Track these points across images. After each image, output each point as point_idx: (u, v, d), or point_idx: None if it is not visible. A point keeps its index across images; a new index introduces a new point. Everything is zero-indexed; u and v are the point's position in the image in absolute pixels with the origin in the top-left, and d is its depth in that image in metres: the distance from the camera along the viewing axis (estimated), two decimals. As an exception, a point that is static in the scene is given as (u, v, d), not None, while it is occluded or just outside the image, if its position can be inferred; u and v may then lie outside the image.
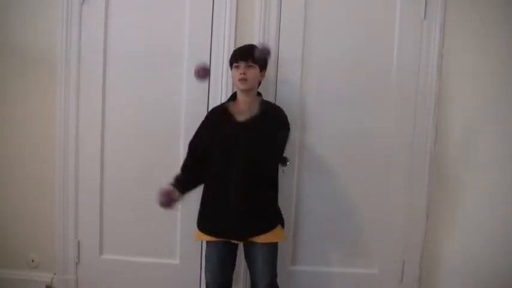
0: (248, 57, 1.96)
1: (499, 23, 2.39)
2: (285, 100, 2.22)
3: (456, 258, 2.52)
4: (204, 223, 2.07)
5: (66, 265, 2.47)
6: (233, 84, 2.30)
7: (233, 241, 2.04)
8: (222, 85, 2.36)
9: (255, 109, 1.99)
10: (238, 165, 1.94)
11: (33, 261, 2.49)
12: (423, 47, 2.37)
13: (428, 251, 2.49)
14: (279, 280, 2.13)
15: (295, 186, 2.41)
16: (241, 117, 1.97)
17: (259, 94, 2.09)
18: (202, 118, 2.28)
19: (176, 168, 2.38)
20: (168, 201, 1.90)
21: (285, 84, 2.35)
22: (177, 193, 1.93)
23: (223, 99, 2.30)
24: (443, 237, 2.51)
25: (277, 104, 2.21)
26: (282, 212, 2.12)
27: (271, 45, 2.28)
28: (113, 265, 2.47)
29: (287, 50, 2.34)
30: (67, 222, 2.44)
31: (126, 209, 2.45)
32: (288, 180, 2.36)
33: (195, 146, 2.07)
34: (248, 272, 2.34)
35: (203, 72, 1.95)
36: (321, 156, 2.38)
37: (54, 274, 2.48)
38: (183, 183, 1.99)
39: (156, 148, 2.42)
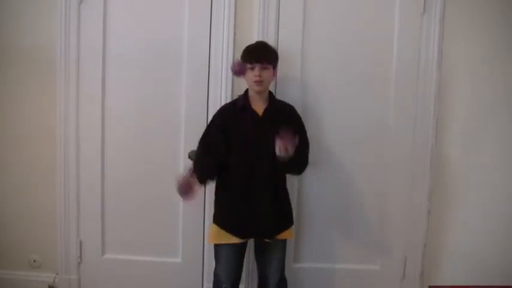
0: (263, 58, 1.93)
1: (498, 16, 2.39)
2: (284, 97, 2.21)
3: (458, 254, 2.53)
4: (230, 223, 2.03)
5: (69, 265, 2.47)
6: (233, 85, 2.32)
7: (263, 240, 2.06)
8: (222, 86, 2.34)
9: (269, 106, 2.01)
10: (263, 162, 1.93)
11: (35, 261, 2.49)
12: (423, 42, 2.36)
13: (430, 247, 2.49)
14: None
15: (297, 183, 2.40)
16: (259, 113, 1.99)
17: (269, 92, 2.07)
18: (202, 119, 2.28)
19: (177, 167, 2.39)
20: (186, 189, 1.84)
21: (285, 81, 2.33)
22: (195, 182, 1.88)
23: (223, 101, 2.30)
24: (445, 233, 2.51)
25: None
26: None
27: (271, 42, 2.27)
28: (115, 264, 2.48)
29: (286, 47, 2.32)
30: (69, 222, 2.44)
31: (127, 208, 2.45)
32: (289, 177, 2.35)
33: (209, 142, 2.00)
34: (249, 270, 2.36)
35: (238, 68, 1.96)
36: (322, 153, 2.37)
37: (57, 274, 2.49)
38: (199, 174, 1.93)
39: (156, 148, 2.41)
